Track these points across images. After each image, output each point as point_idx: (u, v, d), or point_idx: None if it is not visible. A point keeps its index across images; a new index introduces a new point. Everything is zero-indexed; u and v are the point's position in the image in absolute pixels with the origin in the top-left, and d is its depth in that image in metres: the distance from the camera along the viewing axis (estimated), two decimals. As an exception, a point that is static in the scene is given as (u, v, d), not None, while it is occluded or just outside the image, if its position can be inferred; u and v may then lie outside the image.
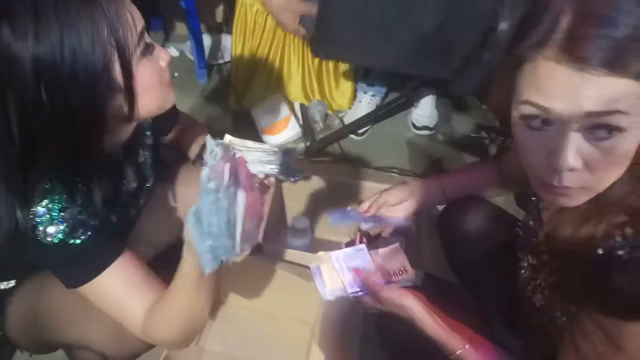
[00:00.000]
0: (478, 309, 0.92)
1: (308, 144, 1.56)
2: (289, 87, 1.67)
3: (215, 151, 0.55)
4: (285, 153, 0.80)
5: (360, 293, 0.76)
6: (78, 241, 0.65)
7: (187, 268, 0.62)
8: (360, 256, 0.81)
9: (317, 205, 1.30)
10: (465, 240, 0.93)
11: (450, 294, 0.99)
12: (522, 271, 0.72)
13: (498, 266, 0.89)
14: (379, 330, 0.90)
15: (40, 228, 0.62)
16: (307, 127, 1.61)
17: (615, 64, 0.45)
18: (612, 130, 0.47)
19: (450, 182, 0.93)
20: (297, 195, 1.32)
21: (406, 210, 0.92)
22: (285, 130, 1.56)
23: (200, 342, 1.09)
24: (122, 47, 0.58)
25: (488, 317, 0.88)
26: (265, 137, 1.55)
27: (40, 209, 0.62)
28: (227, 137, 0.81)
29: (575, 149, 0.49)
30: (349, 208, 0.93)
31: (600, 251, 0.52)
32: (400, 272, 0.80)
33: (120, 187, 0.79)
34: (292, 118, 1.58)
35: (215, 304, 1.16)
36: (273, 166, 0.79)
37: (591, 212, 0.55)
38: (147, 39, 0.64)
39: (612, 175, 0.52)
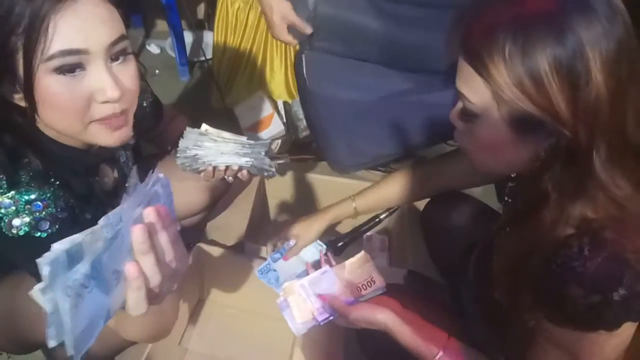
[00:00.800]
0: (456, 306, 0.93)
1: (292, 139, 1.55)
2: (272, 85, 1.66)
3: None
4: (262, 146, 0.79)
5: (330, 318, 0.74)
6: (44, 235, 0.63)
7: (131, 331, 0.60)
8: (326, 279, 0.78)
9: (300, 203, 1.29)
10: (449, 236, 0.94)
11: (431, 292, 1.00)
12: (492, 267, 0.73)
13: (480, 261, 0.90)
14: (358, 338, 0.90)
15: (6, 220, 0.61)
16: (290, 124, 1.60)
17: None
18: (469, 115, 0.55)
19: (361, 207, 0.95)
20: (280, 193, 1.31)
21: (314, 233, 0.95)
22: (268, 128, 1.55)
23: (183, 342, 1.08)
24: (28, 48, 0.55)
25: (464, 313, 0.88)
26: (249, 135, 1.53)
27: (6, 200, 0.61)
28: (204, 127, 0.80)
29: (457, 109, 0.58)
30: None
31: (555, 263, 0.52)
32: (369, 284, 0.78)
33: (94, 185, 0.78)
34: (276, 116, 1.57)
35: (198, 303, 1.15)
36: (247, 159, 0.79)
37: (547, 223, 0.55)
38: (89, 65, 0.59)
39: (484, 157, 0.59)
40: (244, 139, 0.79)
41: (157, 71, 1.84)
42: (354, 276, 0.78)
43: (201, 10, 2.02)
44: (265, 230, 1.22)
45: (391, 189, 0.94)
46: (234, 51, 1.59)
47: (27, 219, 0.62)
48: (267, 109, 1.58)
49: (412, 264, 1.02)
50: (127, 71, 0.62)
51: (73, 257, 0.39)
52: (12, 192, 0.61)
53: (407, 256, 1.05)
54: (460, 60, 0.55)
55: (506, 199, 0.68)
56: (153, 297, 0.49)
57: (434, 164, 0.92)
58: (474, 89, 0.54)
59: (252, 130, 1.56)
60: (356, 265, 0.79)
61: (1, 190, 0.61)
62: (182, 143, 0.77)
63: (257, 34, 1.55)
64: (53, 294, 0.38)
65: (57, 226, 0.64)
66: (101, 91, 0.59)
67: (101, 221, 0.42)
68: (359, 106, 1.07)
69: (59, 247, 0.39)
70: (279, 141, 0.82)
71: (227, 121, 1.61)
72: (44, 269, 0.37)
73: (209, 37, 1.91)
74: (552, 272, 0.52)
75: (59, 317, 0.38)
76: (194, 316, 1.13)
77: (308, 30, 1.10)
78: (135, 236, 0.44)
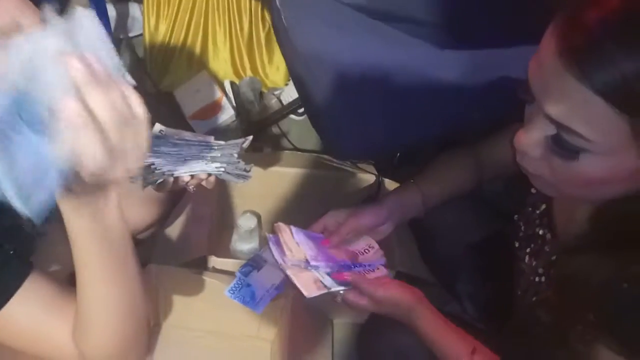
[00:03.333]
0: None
1: (243, 126, 1.39)
2: (216, 64, 1.47)
3: None
4: (233, 147, 0.66)
5: (330, 280, 0.67)
6: None
7: (77, 226, 0.48)
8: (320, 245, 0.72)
9: (264, 201, 1.14)
10: (443, 234, 0.84)
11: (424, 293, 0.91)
12: (531, 277, 0.63)
13: (479, 262, 0.82)
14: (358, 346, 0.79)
15: None
16: (241, 108, 1.43)
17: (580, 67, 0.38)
18: (569, 149, 0.42)
19: (431, 192, 0.78)
20: (240, 192, 1.15)
21: (382, 234, 0.77)
22: (218, 115, 1.37)
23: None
24: None
25: (462, 313, 0.82)
26: (195, 123, 1.36)
27: None
28: (158, 127, 0.66)
29: (535, 137, 0.44)
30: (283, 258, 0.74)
31: (625, 284, 0.44)
32: (367, 250, 0.74)
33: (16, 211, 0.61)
34: (224, 99, 1.39)
35: (154, 328, 0.99)
36: (218, 164, 0.65)
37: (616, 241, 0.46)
38: None
39: (572, 190, 0.47)
40: (210, 139, 0.65)
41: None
42: (350, 245, 0.74)
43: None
44: (229, 238, 1.06)
45: (457, 172, 0.78)
46: (168, 26, 1.39)
47: None
48: (214, 91, 1.40)
49: (400, 264, 0.92)
50: None
51: None
52: None
53: (395, 257, 0.94)
54: (559, 69, 0.40)
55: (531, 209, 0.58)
56: (115, 151, 0.39)
57: (492, 141, 0.79)
58: (593, 123, 0.39)
59: (198, 117, 1.37)
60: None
61: None
62: None
63: (196, 3, 1.36)
64: None
65: None
66: None
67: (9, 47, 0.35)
68: (358, 72, 0.84)
69: None
70: (250, 138, 0.67)
71: (167, 108, 1.40)
72: None
73: (136, 10, 1.66)
74: (622, 293, 0.44)
75: None
76: (151, 344, 0.97)
77: None
78: (71, 65, 0.37)
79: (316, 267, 0.69)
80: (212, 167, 0.64)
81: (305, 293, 0.65)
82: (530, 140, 0.45)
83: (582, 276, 0.48)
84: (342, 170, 1.11)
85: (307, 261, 0.69)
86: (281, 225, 0.73)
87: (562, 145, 0.43)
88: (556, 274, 0.55)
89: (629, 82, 0.37)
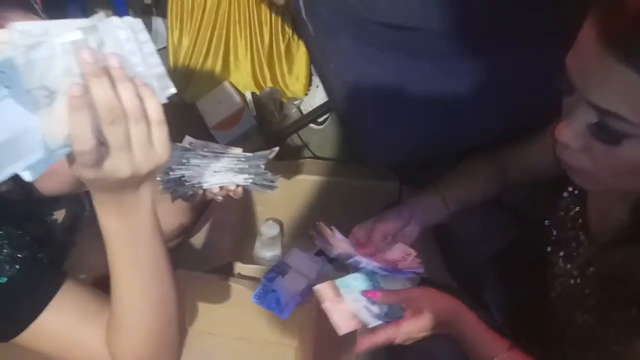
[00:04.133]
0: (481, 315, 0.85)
1: (266, 136, 1.41)
2: (237, 75, 1.50)
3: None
4: (260, 158, 0.68)
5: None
6: (5, 279, 0.54)
7: (108, 227, 0.50)
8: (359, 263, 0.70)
9: (285, 209, 1.16)
10: (468, 242, 0.84)
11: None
12: (566, 280, 0.63)
13: (505, 269, 0.82)
14: None
15: None
16: (261, 118, 1.46)
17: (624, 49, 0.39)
18: (613, 135, 0.42)
19: (452, 196, 0.78)
20: (262, 200, 1.17)
21: (409, 238, 0.77)
22: (239, 124, 1.40)
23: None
24: None
25: (492, 322, 0.81)
26: (217, 133, 1.38)
27: None
28: (188, 140, 0.67)
29: (577, 128, 0.45)
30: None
31: None
32: (404, 258, 0.74)
33: (48, 222, 0.64)
34: (245, 109, 1.42)
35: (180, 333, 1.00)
36: (246, 176, 0.66)
37: None
38: None
39: (615, 180, 0.46)
40: (238, 151, 0.66)
41: (102, 65, 1.62)
42: (386, 254, 0.73)
43: (147, -7, 1.80)
44: (252, 245, 1.08)
45: (479, 178, 0.78)
46: (191, 39, 1.42)
47: None
48: (236, 102, 1.43)
49: (425, 272, 0.92)
50: None
51: None
52: None
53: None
54: (600, 52, 0.40)
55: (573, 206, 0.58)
56: (116, 144, 0.42)
57: (517, 148, 0.79)
58: (637, 105, 0.40)
59: (220, 127, 1.40)
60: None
61: None
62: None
63: (218, 18, 1.39)
64: None
65: (17, 267, 0.54)
66: None
67: (13, 25, 0.37)
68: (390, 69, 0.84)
69: None
70: (276, 150, 0.69)
71: (190, 118, 1.44)
72: None
73: (158, 24, 1.71)
74: None
75: None
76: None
77: None
78: (82, 55, 0.39)
79: (359, 263, 0.68)
80: (241, 179, 0.66)
81: (339, 330, 0.63)
82: (573, 131, 0.45)
83: (625, 270, 0.48)
84: (363, 178, 1.12)
85: (352, 256, 0.68)
86: (322, 224, 0.73)
87: (606, 131, 0.43)
88: (596, 272, 0.55)
89: None
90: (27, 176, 0.39)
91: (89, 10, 1.81)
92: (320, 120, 1.49)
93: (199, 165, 0.64)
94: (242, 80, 1.51)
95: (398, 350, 0.66)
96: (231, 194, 0.68)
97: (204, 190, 0.65)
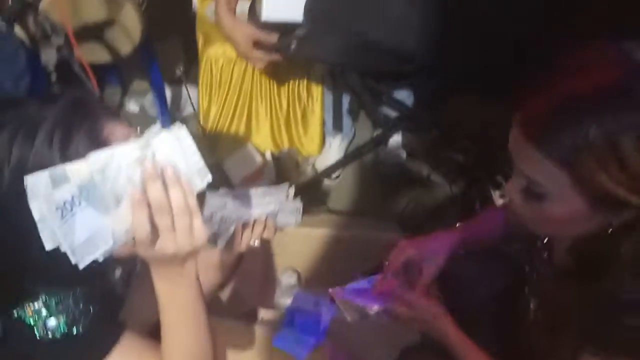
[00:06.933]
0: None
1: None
2: (258, 137, 1.66)
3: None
4: (281, 191, 0.78)
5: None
6: (81, 329, 0.63)
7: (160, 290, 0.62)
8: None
9: (302, 259, 1.28)
10: (459, 286, 0.94)
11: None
12: (529, 313, 0.74)
13: (497, 310, 0.91)
14: None
15: (40, 324, 0.61)
16: (280, 175, 1.60)
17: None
18: (536, 194, 0.57)
19: (471, 238, 0.88)
20: (281, 250, 1.30)
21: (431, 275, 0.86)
22: (261, 182, 1.54)
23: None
24: None
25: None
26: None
27: (36, 305, 0.61)
28: (223, 191, 0.77)
29: (517, 187, 0.60)
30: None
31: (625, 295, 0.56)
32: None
33: (111, 279, 0.76)
34: (266, 168, 1.57)
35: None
36: (273, 207, 0.76)
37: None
38: None
39: (548, 228, 0.62)
40: (262, 188, 0.78)
41: (138, 128, 1.81)
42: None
43: (178, 63, 2.01)
44: (273, 292, 1.20)
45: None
46: (218, 107, 1.59)
47: (62, 318, 0.61)
48: (257, 161, 1.58)
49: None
50: None
51: (56, 180, 0.50)
52: (43, 296, 0.61)
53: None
54: (522, 140, 0.55)
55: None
56: (165, 231, 0.55)
57: None
58: (545, 173, 0.55)
59: (243, 184, 1.54)
60: None
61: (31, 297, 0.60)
62: (206, 211, 0.74)
63: (242, 88, 1.56)
64: (38, 204, 0.49)
65: (87, 320, 0.64)
66: None
67: (92, 157, 0.51)
68: None
69: (42, 171, 0.50)
70: (293, 185, 0.80)
71: (216, 178, 1.58)
72: (27, 182, 0.49)
73: (187, 92, 1.90)
74: (618, 306, 0.56)
75: (48, 225, 0.50)
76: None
77: (273, 39, 1.15)
78: (145, 166, 0.52)
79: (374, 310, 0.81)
80: (270, 209, 0.76)
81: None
82: (514, 189, 0.60)
83: (564, 300, 0.61)
84: (371, 231, 1.24)
85: (366, 311, 0.80)
86: (335, 290, 0.84)
87: (531, 192, 0.57)
88: (543, 301, 0.68)
89: (563, 152, 0.53)
90: (100, 259, 0.53)
91: (126, 81, 2.02)
92: (333, 176, 1.64)
93: (234, 205, 0.75)
94: (263, 141, 1.66)
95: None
96: (265, 234, 0.78)
97: (242, 234, 0.76)
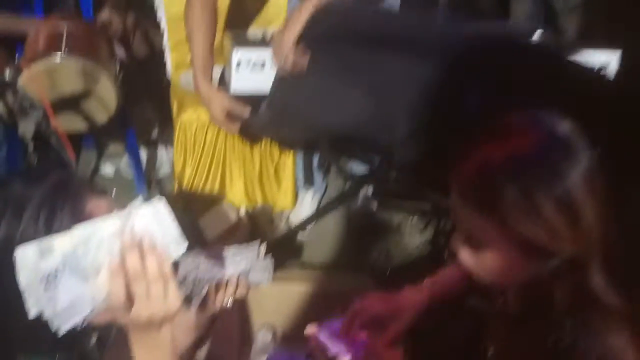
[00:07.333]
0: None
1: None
2: (232, 193, 1.70)
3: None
4: (251, 250, 0.80)
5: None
6: None
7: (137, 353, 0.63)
8: None
9: (278, 314, 1.30)
10: (423, 338, 0.97)
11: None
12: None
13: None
14: None
15: None
16: (255, 231, 1.64)
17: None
18: (475, 246, 0.64)
19: (436, 294, 0.93)
20: (256, 307, 1.32)
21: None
22: (235, 237, 1.57)
23: None
24: None
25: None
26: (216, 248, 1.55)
27: None
28: (197, 252, 0.78)
29: (460, 239, 0.66)
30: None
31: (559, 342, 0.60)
32: None
33: (89, 344, 0.77)
34: (240, 224, 1.61)
35: None
36: (245, 265, 0.78)
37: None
38: None
39: (493, 277, 0.66)
40: (234, 247, 0.80)
41: (114, 190, 1.83)
42: None
43: (153, 126, 2.07)
44: (249, 351, 1.21)
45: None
46: (193, 169, 1.63)
47: None
48: (232, 217, 1.62)
49: None
50: None
51: (43, 251, 0.54)
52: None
53: None
54: (455, 197, 0.62)
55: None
56: (140, 297, 0.57)
57: None
58: (478, 227, 0.61)
59: (219, 241, 1.57)
60: None
61: None
62: (180, 272, 0.75)
63: (216, 149, 1.62)
64: (26, 275, 0.53)
65: None
66: None
67: (75, 230, 0.55)
68: None
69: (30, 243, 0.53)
70: (265, 244, 0.83)
71: (191, 235, 1.61)
72: (17, 254, 0.53)
73: (163, 154, 1.96)
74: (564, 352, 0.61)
75: (33, 294, 0.53)
76: None
77: (246, 113, 1.22)
78: (123, 239, 0.56)
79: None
80: (242, 267, 0.77)
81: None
82: (457, 241, 0.66)
83: (518, 346, 0.66)
84: (346, 286, 1.28)
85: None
86: (313, 329, 0.88)
87: (472, 244, 0.63)
88: (499, 347, 0.73)
89: (490, 208, 0.59)
90: (79, 326, 0.56)
91: (102, 145, 2.06)
92: (307, 228, 1.68)
93: (206, 265, 0.75)
94: (237, 198, 1.70)
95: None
96: (237, 293, 0.78)
97: (215, 296, 0.77)
